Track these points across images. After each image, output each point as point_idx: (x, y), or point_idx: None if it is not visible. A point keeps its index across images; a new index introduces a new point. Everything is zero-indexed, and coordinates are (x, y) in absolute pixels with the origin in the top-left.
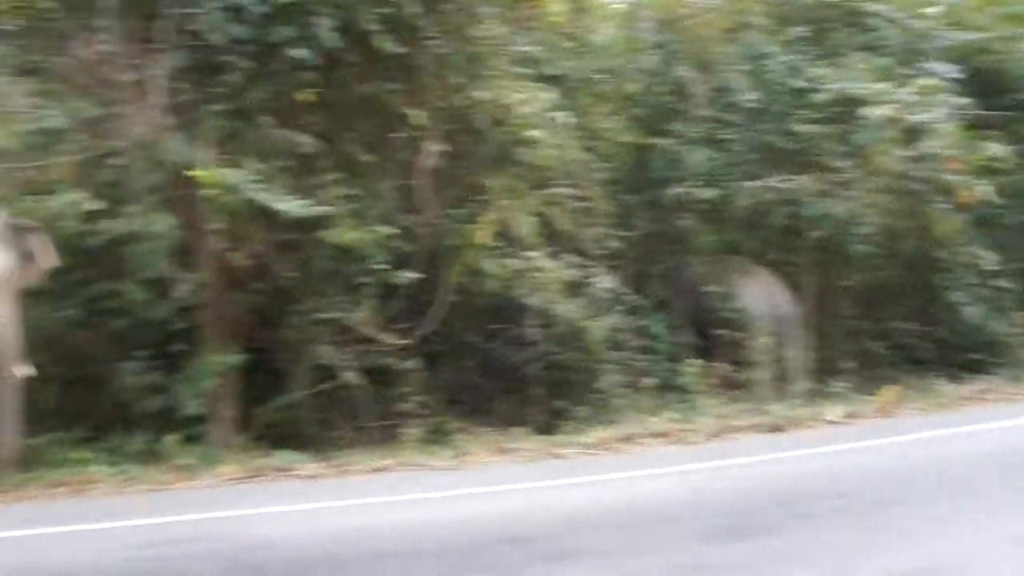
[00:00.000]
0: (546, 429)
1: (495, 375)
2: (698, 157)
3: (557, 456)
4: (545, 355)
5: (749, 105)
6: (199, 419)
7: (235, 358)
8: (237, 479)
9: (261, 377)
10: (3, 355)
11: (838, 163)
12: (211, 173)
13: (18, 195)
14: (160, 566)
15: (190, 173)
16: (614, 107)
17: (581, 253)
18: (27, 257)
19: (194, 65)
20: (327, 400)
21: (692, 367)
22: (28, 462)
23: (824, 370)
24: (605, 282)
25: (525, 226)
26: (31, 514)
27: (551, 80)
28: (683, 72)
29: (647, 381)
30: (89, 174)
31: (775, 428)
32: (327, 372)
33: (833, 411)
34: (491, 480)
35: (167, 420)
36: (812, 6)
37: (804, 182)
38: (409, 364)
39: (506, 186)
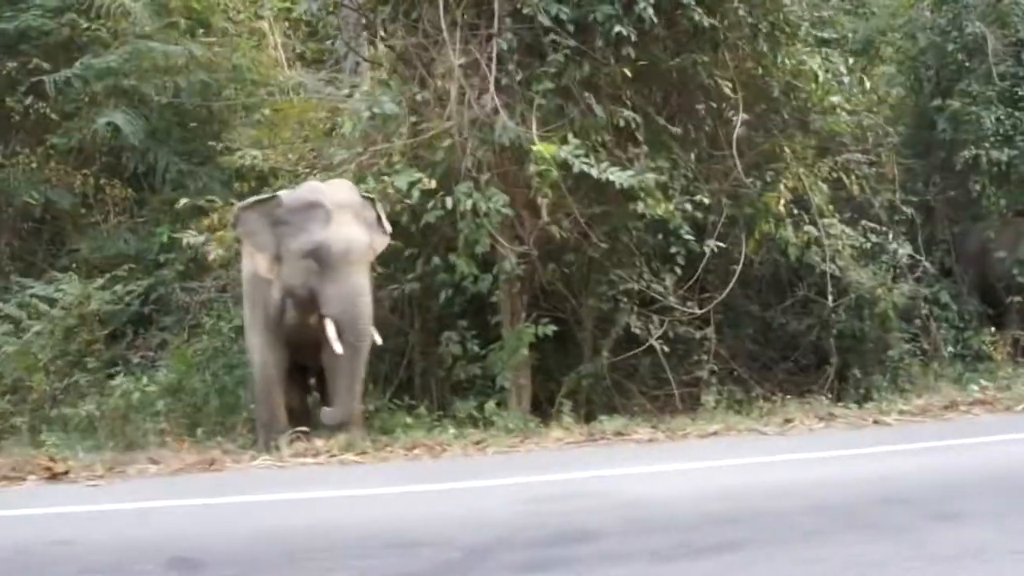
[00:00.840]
0: (838, 397)
1: (775, 343)
2: (992, 117)
3: (879, 423)
4: (833, 323)
5: None
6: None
7: (546, 329)
8: (575, 443)
9: (554, 345)
10: (362, 323)
11: None
12: (548, 148)
13: (362, 176)
14: (557, 519)
15: (533, 148)
16: (898, 68)
17: (873, 219)
18: (373, 229)
19: (519, 46)
20: (625, 368)
21: (987, 336)
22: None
23: None
24: (897, 249)
25: (818, 193)
26: (406, 473)
27: (836, 43)
28: (975, 27)
29: (939, 349)
30: (423, 154)
31: None
32: (626, 341)
33: None
34: (829, 445)
35: (477, 387)
36: None
37: None
38: (703, 332)
39: (799, 153)
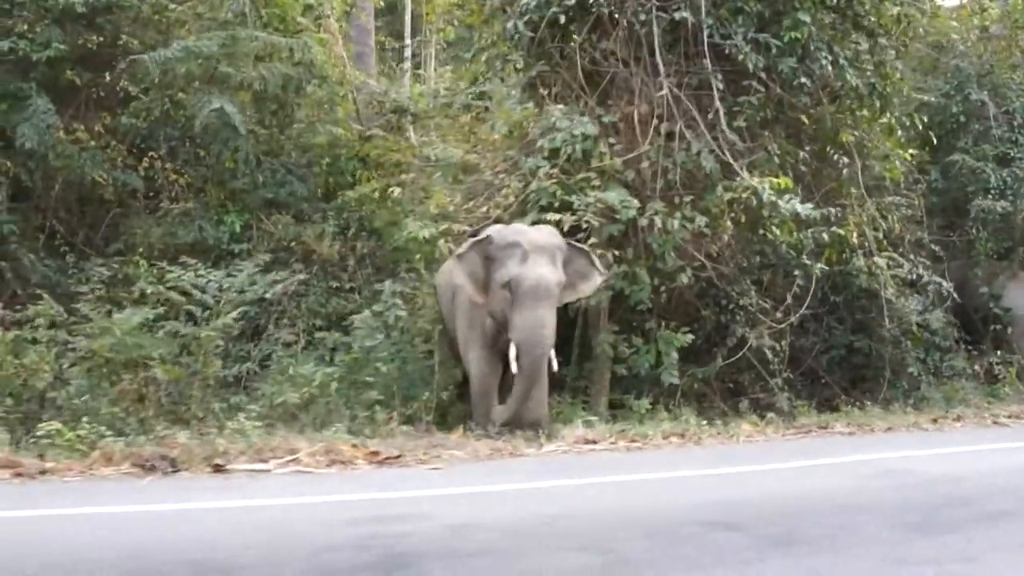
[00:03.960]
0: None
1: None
2: (997, 173)
3: (999, 423)
4: (849, 342)
5: None
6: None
7: (684, 338)
8: (795, 435)
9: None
10: (538, 350)
11: None
12: (785, 181)
13: (571, 191)
14: (922, 491)
15: (759, 183)
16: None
17: (905, 254)
18: (578, 276)
19: (704, 84)
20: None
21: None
22: None
23: None
24: (941, 282)
25: (880, 229)
26: (726, 456)
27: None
28: (978, 95)
29: (965, 368)
30: (621, 172)
31: None
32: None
33: None
34: (1001, 438)
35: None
36: None
37: None
38: (781, 344)
39: (856, 195)
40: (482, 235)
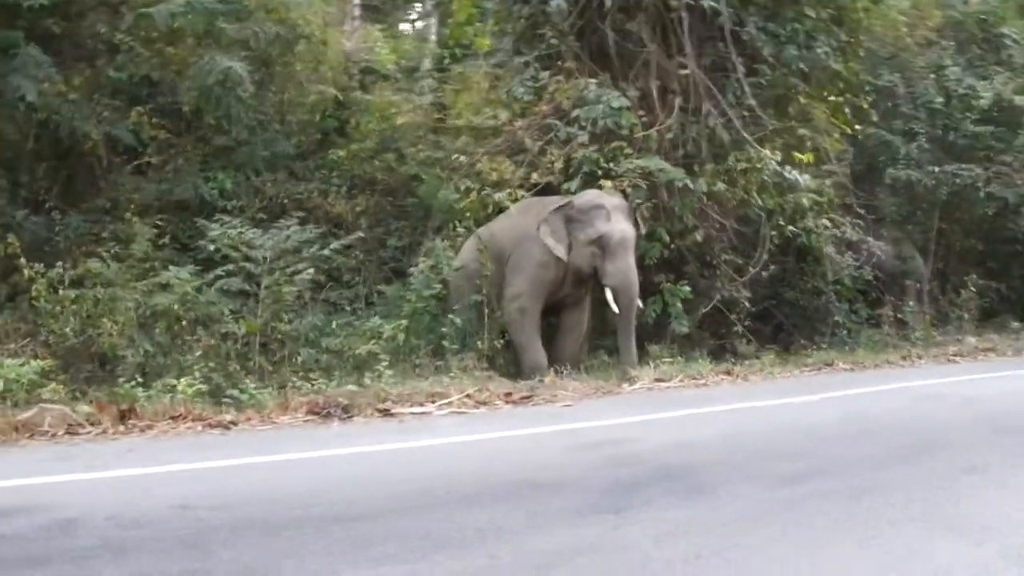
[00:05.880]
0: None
1: None
2: (907, 146)
3: (951, 361)
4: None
5: (931, 107)
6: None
7: (686, 289)
8: (810, 372)
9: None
10: (633, 289)
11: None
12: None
13: (611, 158)
14: (944, 411)
15: (764, 153)
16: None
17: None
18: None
19: (720, 65)
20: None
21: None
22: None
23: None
24: (871, 240)
25: (825, 195)
26: (794, 387)
27: None
28: (891, 76)
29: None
30: (648, 142)
31: None
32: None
33: None
34: (968, 371)
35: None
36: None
37: (976, 171)
38: (742, 295)
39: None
40: (562, 201)
